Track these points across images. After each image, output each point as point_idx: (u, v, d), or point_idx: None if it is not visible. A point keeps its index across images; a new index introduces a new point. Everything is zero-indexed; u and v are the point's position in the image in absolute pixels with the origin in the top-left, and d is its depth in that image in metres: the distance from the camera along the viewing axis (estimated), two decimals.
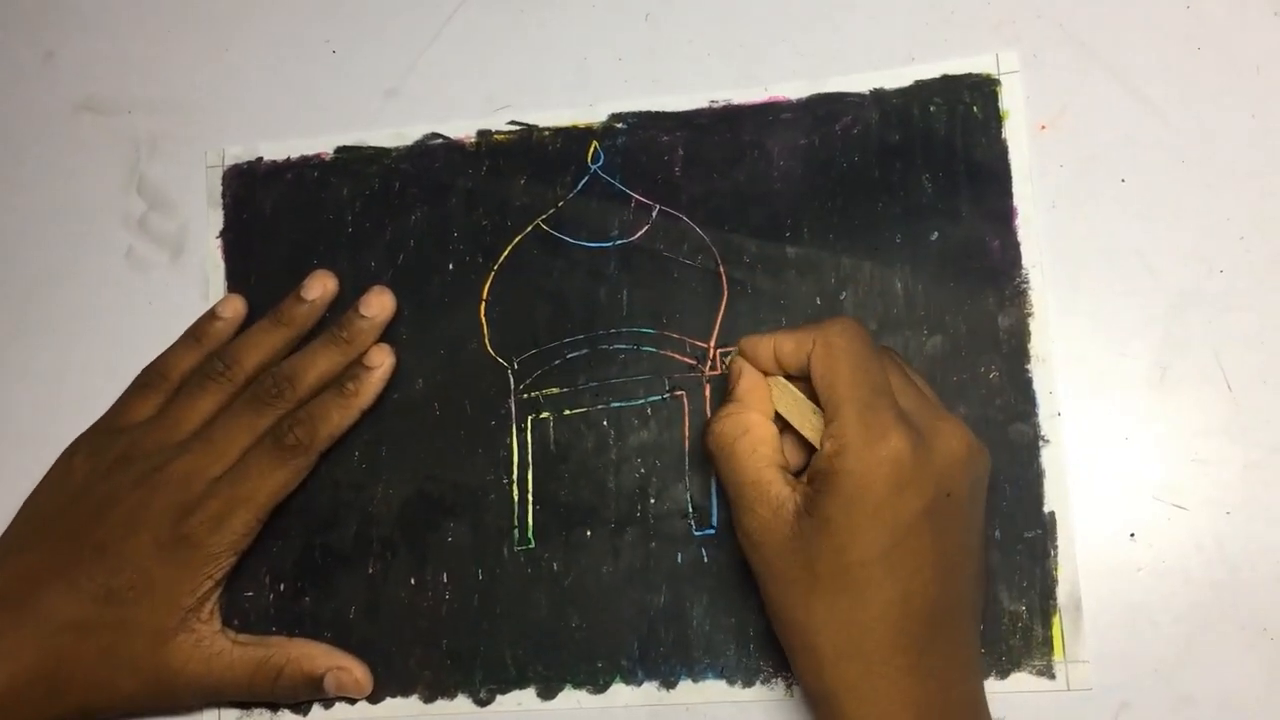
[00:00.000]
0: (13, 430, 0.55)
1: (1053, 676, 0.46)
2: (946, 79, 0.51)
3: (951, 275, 0.49)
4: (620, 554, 0.49)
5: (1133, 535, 0.46)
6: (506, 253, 0.52)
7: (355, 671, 0.49)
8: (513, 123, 0.54)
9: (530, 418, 0.51)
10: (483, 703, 0.49)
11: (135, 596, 0.47)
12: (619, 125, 0.53)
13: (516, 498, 0.50)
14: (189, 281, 0.55)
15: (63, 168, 0.57)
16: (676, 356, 0.50)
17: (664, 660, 0.48)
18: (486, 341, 0.52)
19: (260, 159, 0.55)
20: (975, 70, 0.50)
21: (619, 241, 0.52)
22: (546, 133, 0.53)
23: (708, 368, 0.50)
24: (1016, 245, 0.49)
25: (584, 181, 0.52)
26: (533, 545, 0.50)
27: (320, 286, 0.52)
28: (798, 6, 0.53)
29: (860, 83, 0.51)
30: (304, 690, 0.49)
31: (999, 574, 0.46)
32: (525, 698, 0.49)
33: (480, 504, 0.50)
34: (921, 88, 0.51)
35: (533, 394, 0.51)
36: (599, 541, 0.49)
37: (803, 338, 0.42)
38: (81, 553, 0.48)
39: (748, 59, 0.53)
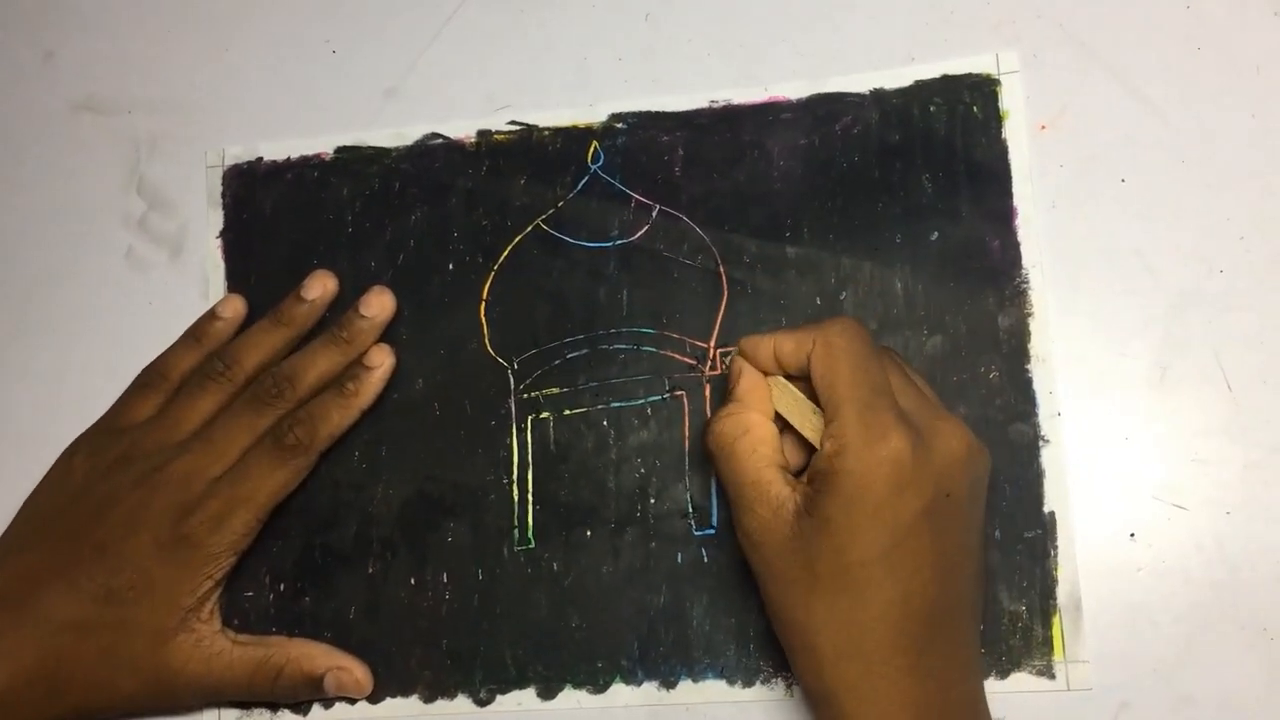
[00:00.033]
0: (13, 430, 0.55)
1: (1053, 676, 0.46)
2: (946, 79, 0.51)
3: (951, 275, 0.49)
4: (620, 554, 0.49)
5: (1133, 535, 0.46)
6: (506, 253, 0.52)
7: (355, 671, 0.49)
8: (513, 123, 0.54)
9: (530, 418, 0.51)
10: (483, 703, 0.49)
11: (135, 596, 0.47)
12: (619, 125, 0.53)
13: (516, 498, 0.50)
14: (189, 281, 0.55)
15: (63, 167, 0.57)
16: (676, 356, 0.50)
17: (664, 660, 0.48)
18: (486, 341, 0.52)
19: (260, 159, 0.55)
20: (975, 70, 0.50)
21: (619, 241, 0.52)
22: (546, 133, 0.53)
23: (708, 368, 0.50)
24: (1016, 245, 0.49)
25: (584, 181, 0.52)
26: (533, 545, 0.50)
27: (320, 286, 0.52)
28: (798, 6, 0.53)
29: (860, 83, 0.51)
30: (304, 690, 0.49)
31: (999, 574, 0.46)
32: (525, 698, 0.49)
33: (480, 504, 0.50)
34: (921, 88, 0.51)
35: (533, 394, 0.51)
36: (599, 541, 0.49)
37: (803, 337, 0.42)
38: (81, 552, 0.48)
39: (748, 59, 0.53)
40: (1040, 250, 0.49)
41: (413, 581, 0.50)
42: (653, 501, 0.49)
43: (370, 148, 0.54)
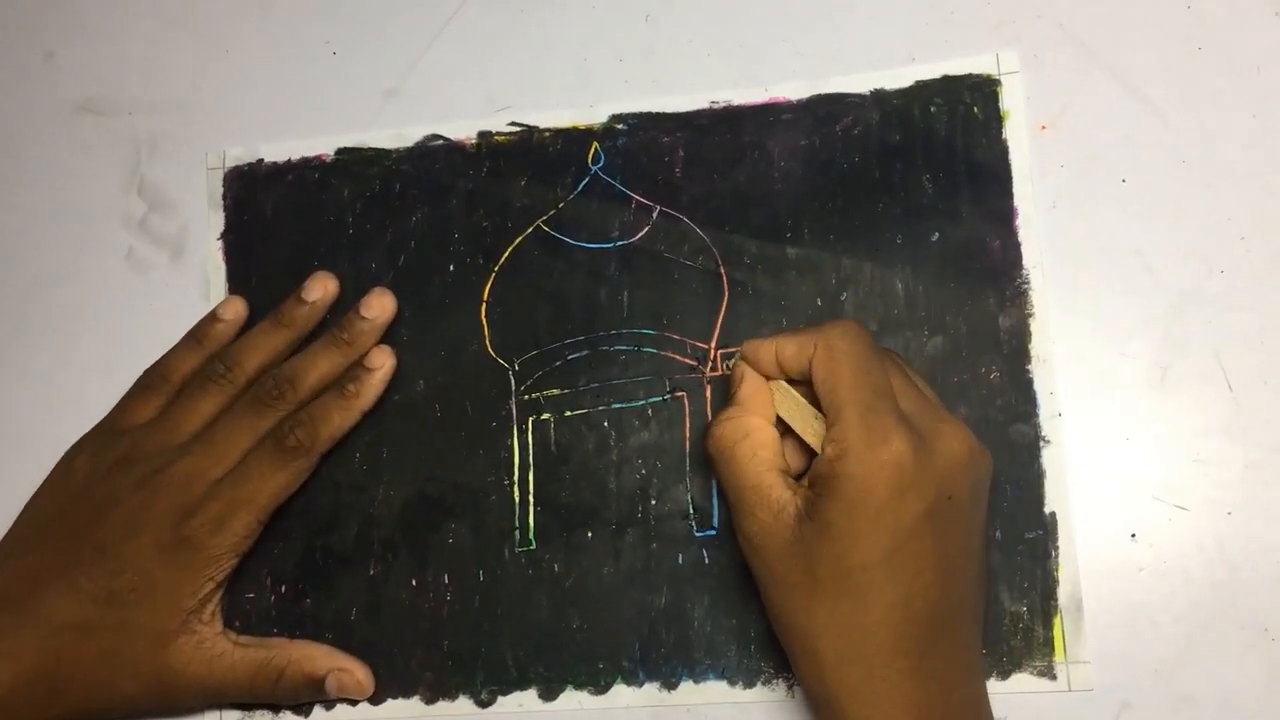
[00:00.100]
0: (13, 431, 0.55)
1: (1054, 677, 0.46)
2: (947, 79, 0.51)
3: (952, 276, 0.49)
4: (621, 555, 0.49)
5: (1133, 535, 0.46)
6: (507, 254, 0.52)
7: (357, 673, 0.49)
8: (513, 124, 0.54)
9: (531, 419, 0.51)
10: (484, 704, 0.49)
11: (136, 598, 0.47)
12: (619, 126, 0.53)
13: (517, 499, 0.50)
14: (190, 283, 0.55)
15: (63, 168, 0.57)
16: (677, 358, 0.50)
17: (665, 661, 0.48)
18: (487, 343, 0.52)
19: (261, 160, 0.55)
20: (976, 70, 0.50)
21: (619, 242, 0.52)
22: (547, 134, 0.53)
23: (708, 369, 0.50)
24: (1017, 245, 0.49)
25: (584, 182, 0.52)
26: (534, 546, 0.50)
27: (321, 288, 0.52)
28: (798, 7, 0.53)
29: (861, 83, 0.51)
30: (305, 692, 0.49)
31: (1000, 575, 0.46)
32: (526, 699, 0.49)
33: (481, 505, 0.50)
34: (922, 88, 0.51)
35: (533, 395, 0.51)
36: (600, 543, 0.49)
37: (804, 341, 0.42)
38: (82, 554, 0.48)
39: (748, 60, 0.53)
40: (1041, 250, 0.49)
41: (414, 583, 0.50)
42: (654, 503, 0.49)
43: (371, 149, 0.54)
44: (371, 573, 0.50)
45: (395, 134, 0.54)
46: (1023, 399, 0.48)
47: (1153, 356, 0.48)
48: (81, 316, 0.56)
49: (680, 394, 0.50)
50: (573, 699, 0.48)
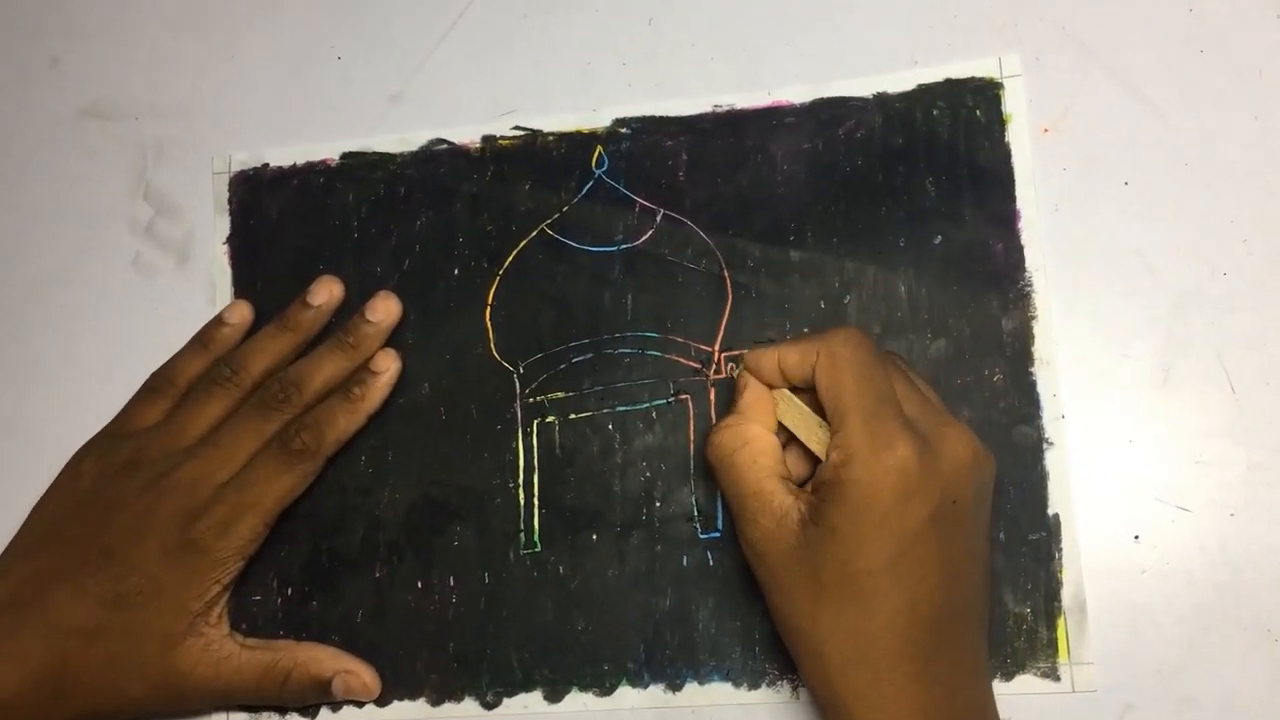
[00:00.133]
0: (20, 435, 0.55)
1: (1058, 678, 0.46)
2: (949, 82, 0.51)
3: (955, 278, 0.49)
4: (626, 557, 0.49)
5: (1136, 537, 0.46)
6: (511, 258, 0.52)
7: (363, 675, 0.49)
8: (517, 128, 0.54)
9: (536, 422, 0.51)
10: (489, 706, 0.49)
11: (143, 601, 0.47)
12: (623, 130, 0.53)
13: (522, 501, 0.50)
14: (195, 287, 0.55)
15: (69, 174, 0.57)
16: (681, 360, 0.50)
17: (670, 663, 0.48)
18: (492, 346, 0.52)
19: (266, 165, 0.55)
20: (978, 74, 0.51)
21: (623, 246, 0.52)
22: (551, 138, 0.53)
23: (712, 372, 0.50)
24: (1020, 248, 0.49)
25: (588, 186, 0.53)
26: (538, 549, 0.50)
27: (326, 292, 0.52)
28: (800, 11, 0.53)
29: (863, 86, 0.51)
30: (312, 694, 0.49)
31: (1003, 576, 0.47)
32: (532, 700, 0.49)
33: (486, 508, 0.50)
34: (924, 91, 0.51)
35: (538, 398, 0.51)
36: (604, 545, 0.49)
37: (806, 349, 0.42)
38: (89, 557, 0.48)
39: (750, 63, 0.53)
40: (1043, 253, 0.49)
41: (419, 585, 0.50)
42: (658, 505, 0.49)
43: (375, 153, 0.55)
44: (377, 575, 0.51)
45: (400, 138, 0.55)
46: (1026, 401, 0.48)
47: (1155, 358, 0.48)
48: (88, 321, 0.56)
49: (684, 397, 0.50)
50: (578, 701, 0.49)
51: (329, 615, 0.51)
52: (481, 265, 0.53)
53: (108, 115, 0.58)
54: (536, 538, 0.50)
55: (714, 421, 0.49)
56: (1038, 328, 0.48)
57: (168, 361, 0.53)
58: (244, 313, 0.53)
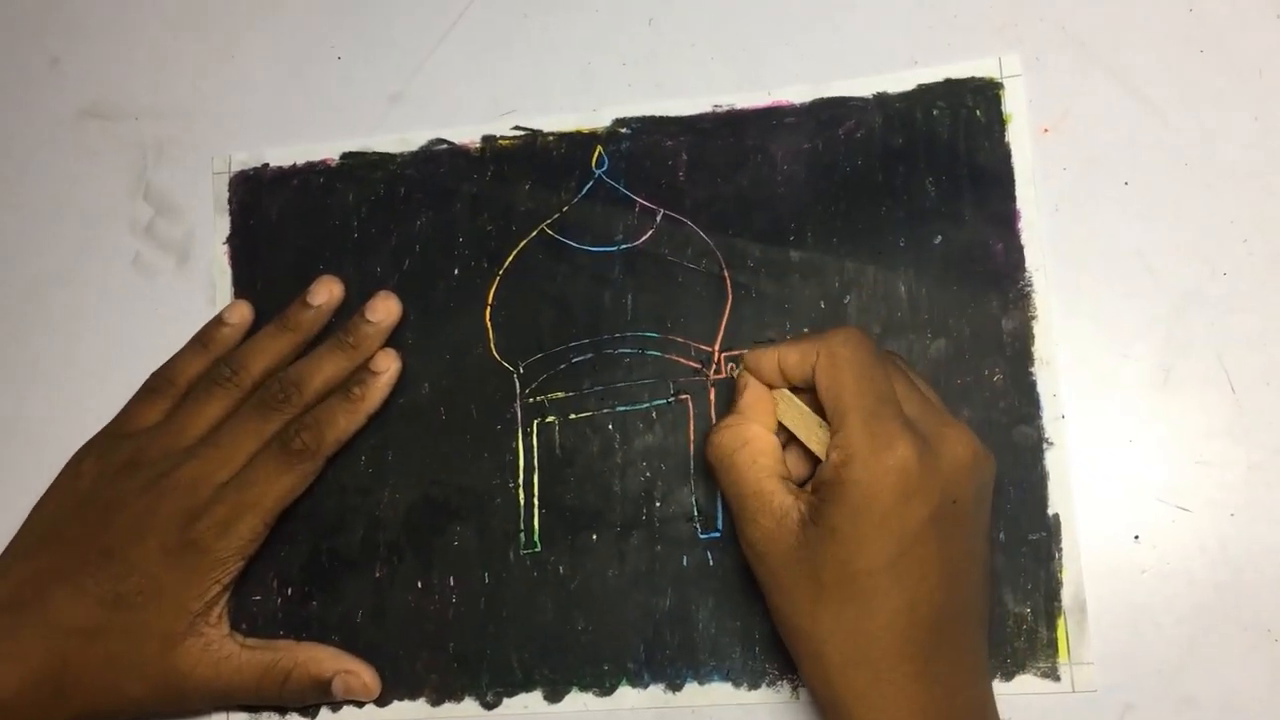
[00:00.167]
0: (20, 435, 0.55)
1: (1058, 678, 0.46)
2: (949, 82, 0.51)
3: (955, 279, 0.49)
4: (626, 557, 0.49)
5: (1137, 537, 0.46)
6: (511, 258, 0.52)
7: (363, 675, 0.49)
8: (517, 128, 0.54)
9: (536, 422, 0.51)
10: (489, 706, 0.49)
11: (143, 601, 0.47)
12: (623, 130, 0.53)
13: (522, 501, 0.50)
14: (195, 287, 0.55)
15: (69, 174, 0.58)
16: (681, 360, 0.50)
17: (670, 663, 0.48)
18: (492, 346, 0.52)
19: (266, 165, 0.55)
20: (978, 74, 0.51)
21: (623, 246, 0.52)
22: (551, 138, 0.53)
23: (712, 371, 0.50)
24: (1020, 248, 0.49)
25: (588, 186, 0.53)
26: (538, 549, 0.50)
27: (326, 292, 0.52)
28: (800, 11, 0.53)
29: (863, 86, 0.51)
30: (312, 694, 0.49)
31: (1003, 576, 0.47)
32: (532, 700, 0.49)
33: (486, 508, 0.50)
34: (924, 91, 0.51)
35: (538, 398, 0.51)
36: (604, 545, 0.49)
37: (806, 349, 0.42)
38: (89, 557, 0.48)
39: (750, 63, 0.53)
40: (1043, 253, 0.49)
41: (419, 585, 0.50)
42: (658, 505, 0.49)
43: (375, 153, 0.55)
44: (377, 575, 0.51)
45: (400, 138, 0.55)
46: (1026, 401, 0.48)
47: (1155, 358, 0.48)
48: (88, 321, 0.56)
49: (684, 397, 0.50)
50: (578, 701, 0.49)
51: (329, 615, 0.51)
52: (481, 265, 0.53)
53: (108, 115, 0.58)
54: (536, 538, 0.50)
55: (713, 421, 0.49)
56: (1038, 328, 0.48)
57: (168, 361, 0.53)
58: (244, 313, 0.53)
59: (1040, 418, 0.48)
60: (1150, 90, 0.50)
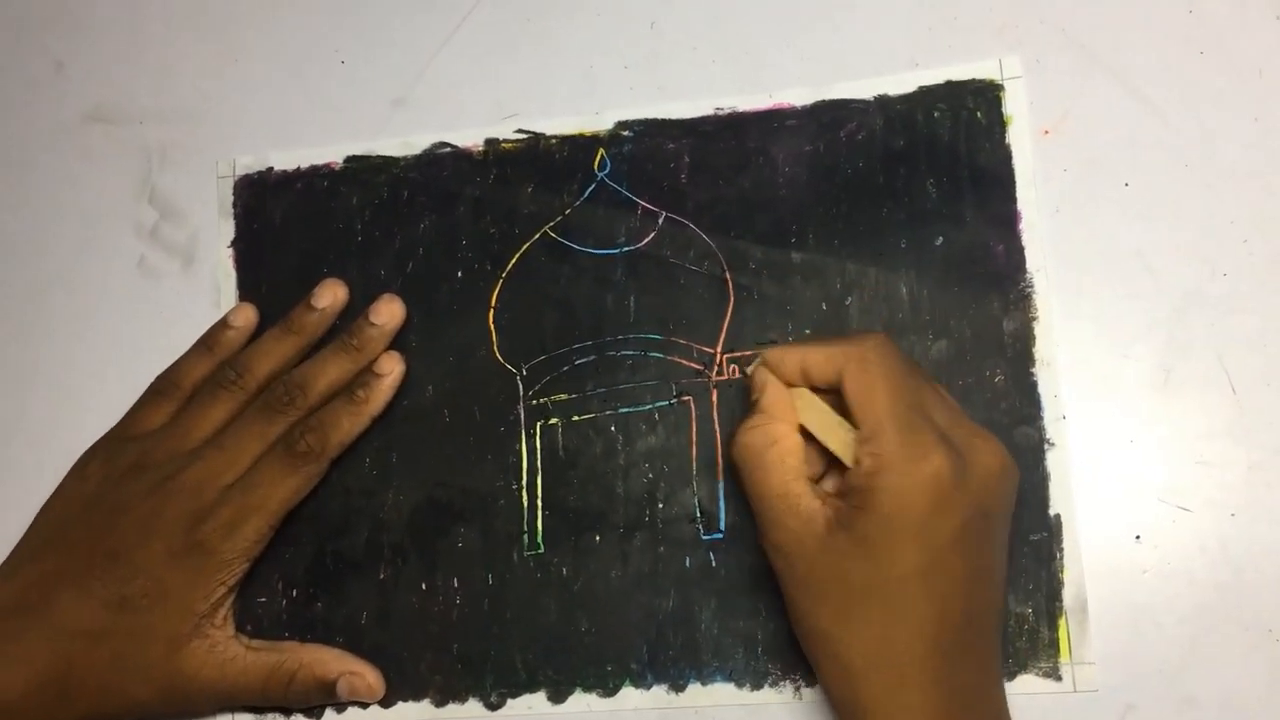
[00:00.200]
0: (25, 437, 0.55)
1: (1059, 678, 0.46)
2: (950, 84, 0.51)
3: (956, 280, 0.49)
4: (629, 558, 0.49)
5: (1138, 537, 0.47)
6: (514, 260, 0.53)
7: (368, 676, 0.49)
8: (520, 131, 0.54)
9: (539, 424, 0.51)
10: (493, 706, 0.49)
11: (149, 603, 0.48)
12: (625, 133, 0.53)
13: (526, 503, 0.51)
14: (200, 290, 0.55)
15: (74, 178, 0.58)
16: (683, 362, 0.51)
17: (673, 664, 0.48)
18: (495, 348, 0.52)
19: (271, 169, 0.56)
20: (979, 75, 0.51)
21: (626, 248, 0.52)
22: (553, 141, 0.54)
23: (714, 373, 0.50)
24: (1020, 249, 0.49)
25: (591, 189, 0.53)
26: (542, 550, 0.50)
27: (330, 295, 0.53)
28: (801, 13, 0.53)
29: (864, 89, 0.51)
30: (317, 695, 0.49)
31: (1006, 577, 0.47)
32: (536, 701, 0.49)
33: (490, 509, 0.51)
34: (925, 93, 0.51)
35: (541, 400, 0.51)
36: (608, 546, 0.50)
37: (834, 353, 0.42)
38: (94, 560, 0.48)
39: (752, 66, 0.53)
40: (1044, 254, 0.49)
41: (423, 587, 0.50)
42: (661, 506, 0.50)
43: (379, 157, 0.55)
44: (381, 577, 0.51)
45: (403, 142, 0.55)
46: (1027, 402, 0.48)
47: (1156, 359, 0.48)
48: (93, 324, 0.56)
49: (687, 398, 0.50)
50: (581, 701, 0.49)
51: (334, 617, 0.51)
52: (484, 268, 0.53)
53: (112, 119, 0.58)
54: (540, 539, 0.50)
55: (717, 422, 0.50)
56: (1039, 329, 0.48)
57: (173, 364, 0.53)
58: (249, 316, 0.53)
59: (1041, 418, 0.48)
60: (1150, 91, 0.50)
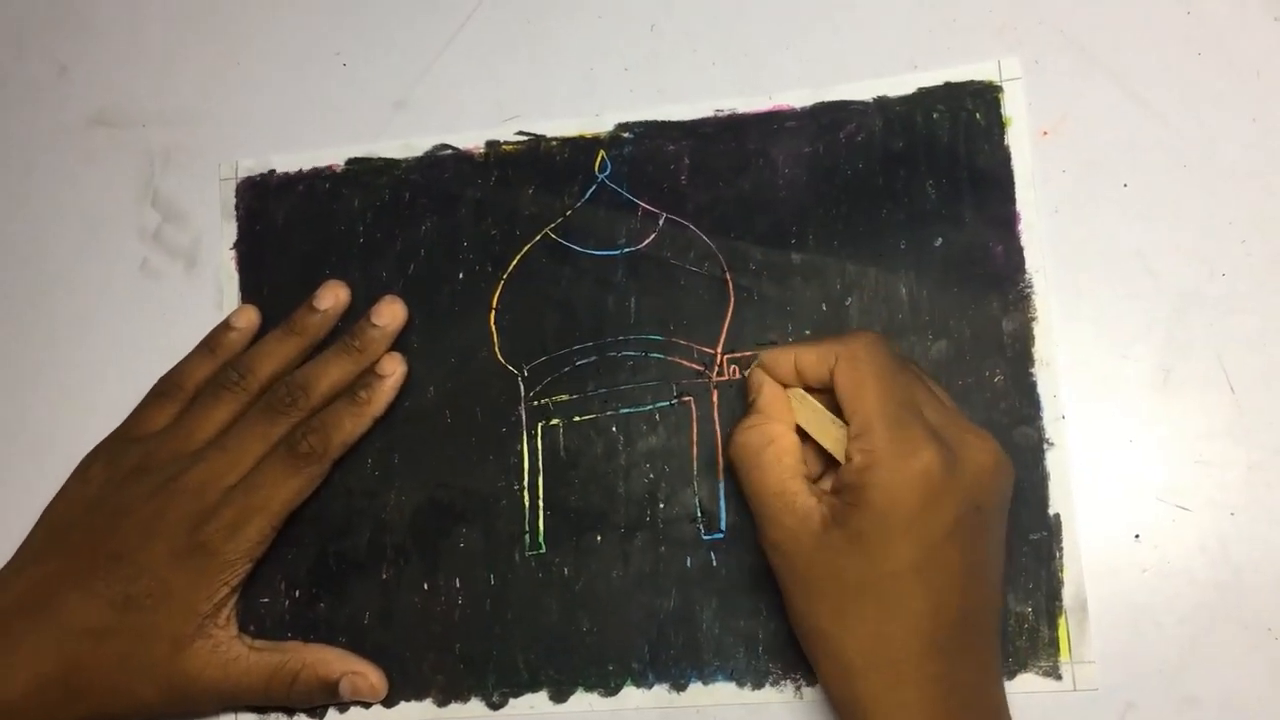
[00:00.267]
0: (29, 439, 0.55)
1: (1059, 677, 0.46)
2: (949, 86, 0.51)
3: (955, 281, 0.49)
4: (630, 558, 0.50)
5: (1137, 537, 0.47)
6: (515, 262, 0.53)
7: (370, 676, 0.49)
8: (521, 133, 0.54)
9: (540, 424, 0.51)
10: (495, 706, 0.49)
11: (153, 604, 0.48)
12: (625, 135, 0.53)
13: (527, 503, 0.51)
14: (203, 293, 0.55)
15: (78, 181, 0.58)
16: (684, 363, 0.51)
17: (674, 663, 0.48)
18: (496, 349, 0.52)
19: (273, 171, 0.56)
20: (978, 77, 0.51)
21: (626, 250, 0.52)
22: (554, 143, 0.54)
23: (715, 374, 0.50)
24: (1020, 250, 0.49)
25: (591, 191, 0.53)
26: (543, 550, 0.50)
27: (332, 296, 0.53)
28: (800, 15, 0.53)
29: (864, 90, 0.52)
30: (319, 695, 0.49)
31: (1005, 576, 0.46)
32: (537, 701, 0.49)
33: (491, 510, 0.51)
34: (924, 95, 0.51)
35: (542, 401, 0.51)
36: (609, 546, 0.50)
37: (825, 351, 0.43)
38: (98, 561, 0.48)
39: (752, 68, 0.53)
40: (1043, 255, 0.49)
41: (425, 587, 0.51)
42: (661, 506, 0.50)
43: (380, 159, 0.55)
44: (384, 577, 0.51)
45: (404, 144, 0.55)
46: (1026, 402, 0.48)
47: (1155, 359, 0.48)
48: (96, 326, 0.56)
49: (687, 399, 0.50)
50: (583, 701, 0.49)
51: (336, 617, 0.51)
52: (486, 269, 0.53)
53: (115, 123, 0.58)
54: (541, 539, 0.50)
55: (717, 423, 0.50)
56: (1038, 329, 0.48)
57: (175, 366, 0.53)
58: (251, 317, 0.54)
59: (1041, 418, 0.48)
60: (1149, 92, 0.50)
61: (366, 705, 0.50)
